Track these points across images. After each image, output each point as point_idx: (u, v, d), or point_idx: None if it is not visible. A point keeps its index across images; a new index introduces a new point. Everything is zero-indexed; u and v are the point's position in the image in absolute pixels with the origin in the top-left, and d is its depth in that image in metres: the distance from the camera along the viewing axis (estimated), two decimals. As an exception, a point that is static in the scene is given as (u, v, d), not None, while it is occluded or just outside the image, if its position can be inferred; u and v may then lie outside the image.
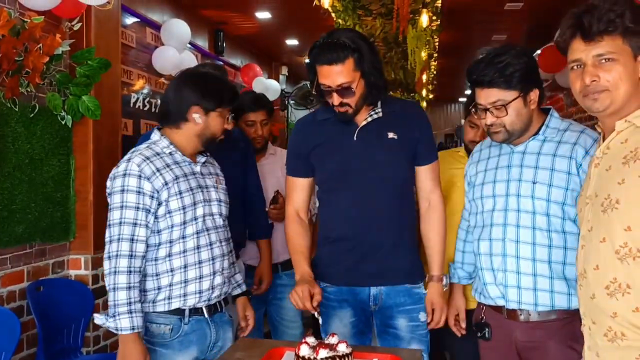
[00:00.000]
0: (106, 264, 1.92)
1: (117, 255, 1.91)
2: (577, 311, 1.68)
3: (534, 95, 1.91)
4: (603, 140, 1.56)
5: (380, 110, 2.09)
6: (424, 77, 8.96)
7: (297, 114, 8.25)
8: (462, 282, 2.18)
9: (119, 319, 1.88)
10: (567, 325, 1.84)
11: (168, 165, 2.01)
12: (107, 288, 1.91)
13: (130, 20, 4.77)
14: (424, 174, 2.13)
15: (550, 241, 1.88)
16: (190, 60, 5.31)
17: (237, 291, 2.26)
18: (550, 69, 5.30)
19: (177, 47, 5.06)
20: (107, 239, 1.94)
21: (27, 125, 3.01)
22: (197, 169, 2.10)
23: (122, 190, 1.94)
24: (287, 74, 9.22)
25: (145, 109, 5.03)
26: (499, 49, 1.92)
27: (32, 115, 3.02)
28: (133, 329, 1.88)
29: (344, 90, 1.98)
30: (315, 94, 2.09)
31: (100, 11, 3.42)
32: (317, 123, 2.15)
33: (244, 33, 7.21)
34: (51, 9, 3.04)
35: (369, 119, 2.08)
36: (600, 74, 1.48)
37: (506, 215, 1.94)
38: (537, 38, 6.44)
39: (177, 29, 5.05)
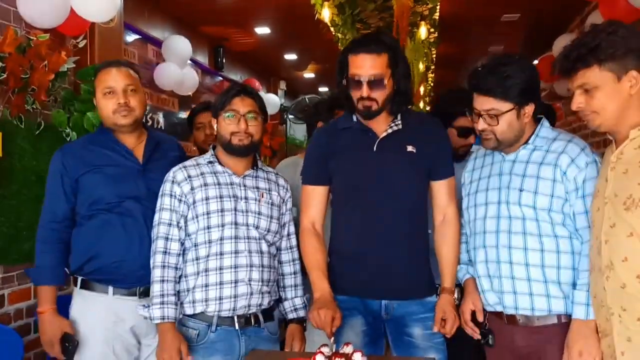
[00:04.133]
0: (151, 261, 2.09)
1: (154, 252, 2.08)
2: None
3: (529, 109, 1.93)
4: (616, 147, 1.71)
5: (400, 122, 2.08)
6: (422, 89, 8.99)
7: (295, 128, 8.29)
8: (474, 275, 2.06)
9: (152, 309, 2.03)
10: (566, 330, 1.84)
11: (202, 174, 2.13)
12: None
13: (132, 37, 4.81)
14: (440, 189, 2.12)
15: (541, 245, 1.89)
16: (191, 76, 5.34)
17: (290, 316, 2.24)
18: (548, 79, 5.30)
19: (178, 64, 5.09)
20: (152, 238, 2.12)
21: (33, 142, 3.02)
22: (237, 180, 2.14)
23: (161, 195, 2.13)
24: (285, 89, 9.28)
25: (148, 124, 5.03)
26: (504, 58, 1.94)
27: (38, 132, 3.03)
28: (163, 318, 2.01)
29: (375, 83, 1.97)
30: (343, 86, 2.05)
31: (103, 28, 3.45)
32: (338, 131, 2.15)
33: (243, 49, 7.25)
34: (56, 26, 3.06)
35: (389, 131, 2.07)
36: (584, 100, 1.69)
37: (498, 222, 1.96)
38: (534, 48, 6.47)
39: (178, 45, 5.10)
